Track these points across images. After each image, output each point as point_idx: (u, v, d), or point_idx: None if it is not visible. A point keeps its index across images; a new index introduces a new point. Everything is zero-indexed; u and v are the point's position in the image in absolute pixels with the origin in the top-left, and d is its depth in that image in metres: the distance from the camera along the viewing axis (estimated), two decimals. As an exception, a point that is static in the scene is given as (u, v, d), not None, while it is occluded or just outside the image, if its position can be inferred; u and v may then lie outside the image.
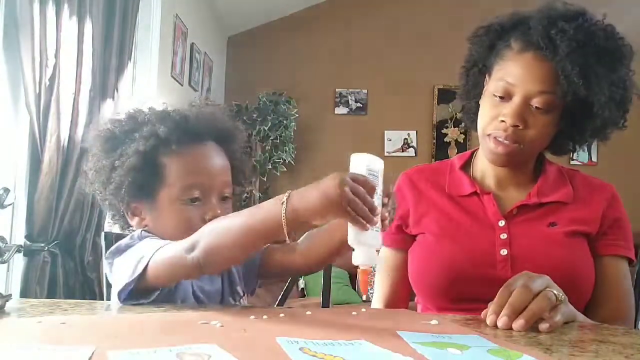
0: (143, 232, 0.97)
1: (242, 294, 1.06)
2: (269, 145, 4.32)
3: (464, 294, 1.04)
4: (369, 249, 0.73)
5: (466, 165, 1.19)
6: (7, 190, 1.70)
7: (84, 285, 2.07)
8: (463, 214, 1.12)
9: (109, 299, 1.05)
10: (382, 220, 0.74)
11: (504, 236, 1.07)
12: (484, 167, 1.16)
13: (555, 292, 0.81)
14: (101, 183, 1.00)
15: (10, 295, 0.77)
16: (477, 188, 1.13)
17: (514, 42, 1.04)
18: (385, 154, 4.59)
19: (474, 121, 1.13)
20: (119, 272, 0.89)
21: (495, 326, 0.78)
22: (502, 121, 1.03)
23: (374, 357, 0.58)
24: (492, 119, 1.05)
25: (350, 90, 4.67)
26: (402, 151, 4.62)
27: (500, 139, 1.04)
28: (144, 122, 0.99)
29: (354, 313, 0.83)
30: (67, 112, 1.96)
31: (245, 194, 3.94)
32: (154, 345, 0.56)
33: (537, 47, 1.00)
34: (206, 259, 0.80)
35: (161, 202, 0.97)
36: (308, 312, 0.82)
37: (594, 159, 4.45)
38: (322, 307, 1.36)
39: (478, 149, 1.17)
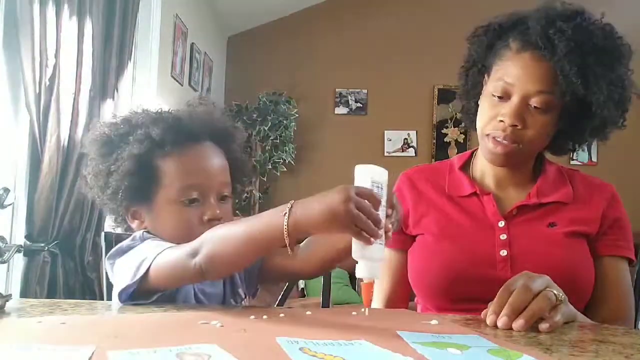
0: (145, 233, 0.97)
1: (243, 296, 1.06)
2: (269, 145, 4.31)
3: (463, 294, 1.04)
4: (373, 263, 0.73)
5: (466, 166, 1.19)
6: (7, 190, 1.70)
7: (84, 285, 2.07)
8: (463, 215, 1.12)
9: (109, 299, 1.05)
10: (386, 232, 0.73)
11: (503, 237, 1.07)
12: (484, 167, 1.16)
13: (555, 292, 0.81)
14: (99, 188, 0.99)
15: (10, 295, 0.77)
16: (476, 188, 1.13)
17: (513, 42, 1.04)
18: (385, 154, 4.59)
19: (474, 121, 1.13)
20: (120, 273, 0.89)
21: (495, 326, 0.78)
22: (501, 121, 1.03)
23: (374, 357, 0.58)
24: (491, 119, 1.05)
25: (350, 90, 4.67)
26: (402, 151, 4.62)
27: (499, 139, 1.04)
28: (138, 125, 0.98)
29: (354, 313, 0.83)
30: (67, 112, 1.97)
31: (245, 194, 3.94)
32: (154, 345, 0.56)
33: (535, 46, 1.00)
34: (208, 266, 0.80)
35: (159, 204, 0.97)
36: (308, 312, 0.82)
37: (594, 159, 4.45)
38: (322, 307, 1.36)
39: (478, 149, 1.17)
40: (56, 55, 1.91)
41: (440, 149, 4.59)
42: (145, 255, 0.85)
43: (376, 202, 0.71)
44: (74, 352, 0.53)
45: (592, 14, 1.02)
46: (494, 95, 1.04)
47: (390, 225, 0.74)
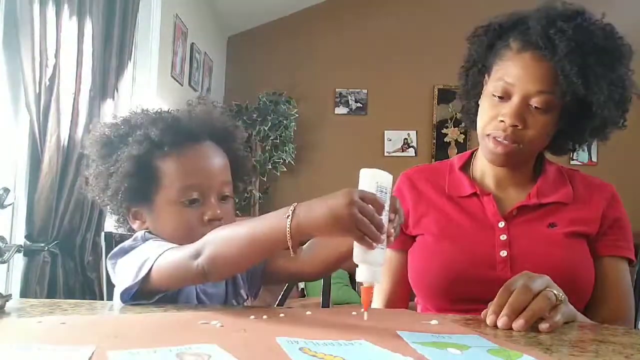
0: (146, 233, 0.97)
1: (245, 297, 1.06)
2: (269, 145, 4.31)
3: (463, 294, 1.04)
4: (374, 267, 0.72)
5: (466, 166, 1.19)
6: (7, 190, 1.70)
7: (84, 285, 2.07)
8: (463, 215, 1.12)
9: (109, 298, 1.05)
10: (388, 237, 0.73)
11: (503, 237, 1.07)
12: (484, 167, 1.16)
13: (555, 292, 0.81)
14: (100, 189, 0.99)
15: (10, 295, 0.77)
16: (476, 189, 1.13)
17: (513, 42, 1.04)
18: (385, 154, 4.59)
19: (474, 121, 1.13)
20: (122, 273, 0.89)
21: (495, 326, 0.78)
22: (502, 121, 1.03)
23: (374, 357, 0.58)
24: (492, 119, 1.05)
25: (350, 90, 4.67)
26: (402, 151, 4.62)
27: (499, 139, 1.04)
28: (137, 126, 0.98)
29: (354, 313, 0.83)
30: (67, 112, 1.97)
31: (246, 194, 3.94)
32: (154, 345, 0.56)
33: (536, 47, 1.00)
34: (210, 267, 0.79)
35: (159, 205, 0.97)
36: (308, 312, 0.82)
37: (594, 159, 4.45)
38: (322, 307, 1.36)
39: (478, 149, 1.17)
40: (56, 55, 1.91)
41: (440, 149, 4.59)
42: (147, 255, 0.85)
43: (379, 207, 0.71)
44: (74, 352, 0.53)
45: (592, 14, 1.02)
46: (495, 95, 1.04)
47: (392, 230, 0.74)
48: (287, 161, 4.36)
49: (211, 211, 0.95)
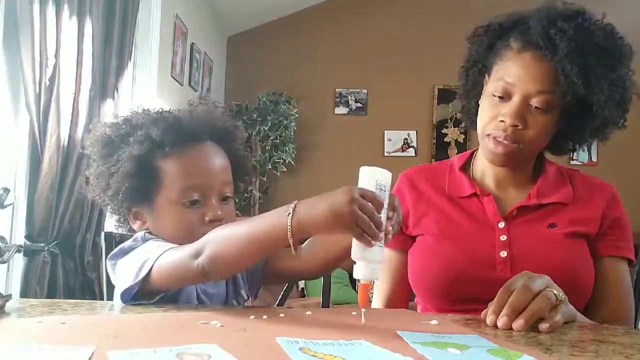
0: (146, 234, 0.97)
1: (246, 297, 1.06)
2: (269, 145, 4.32)
3: (463, 295, 1.04)
4: (372, 264, 0.73)
5: (466, 166, 1.19)
6: (7, 190, 1.69)
7: (84, 285, 2.07)
8: (463, 215, 1.11)
9: (109, 298, 1.05)
10: (386, 235, 0.73)
11: (503, 238, 1.07)
12: (484, 167, 1.16)
13: (555, 292, 0.81)
14: (101, 189, 0.99)
15: (10, 295, 0.77)
16: (477, 189, 1.13)
17: (513, 42, 1.04)
18: (385, 154, 4.59)
19: (474, 121, 1.12)
20: (122, 273, 0.89)
21: (495, 326, 0.78)
22: (502, 121, 1.03)
23: (374, 357, 0.58)
24: (492, 119, 1.05)
25: (350, 90, 4.67)
26: (402, 151, 4.62)
27: (499, 139, 1.04)
28: (138, 126, 0.98)
29: (354, 313, 0.83)
30: (67, 112, 1.97)
31: (246, 194, 3.94)
32: (154, 345, 0.56)
33: (536, 47, 1.00)
34: (211, 266, 0.79)
35: (160, 205, 0.97)
36: (308, 312, 0.82)
37: (594, 159, 4.45)
38: (322, 307, 1.36)
39: (478, 149, 1.17)
40: (56, 55, 1.91)
41: (440, 149, 4.59)
42: (147, 255, 0.85)
43: (379, 205, 0.71)
44: (74, 352, 0.53)
45: (593, 14, 1.02)
46: (495, 95, 1.04)
47: (390, 228, 0.74)
48: (287, 161, 4.36)
49: (212, 212, 0.95)
